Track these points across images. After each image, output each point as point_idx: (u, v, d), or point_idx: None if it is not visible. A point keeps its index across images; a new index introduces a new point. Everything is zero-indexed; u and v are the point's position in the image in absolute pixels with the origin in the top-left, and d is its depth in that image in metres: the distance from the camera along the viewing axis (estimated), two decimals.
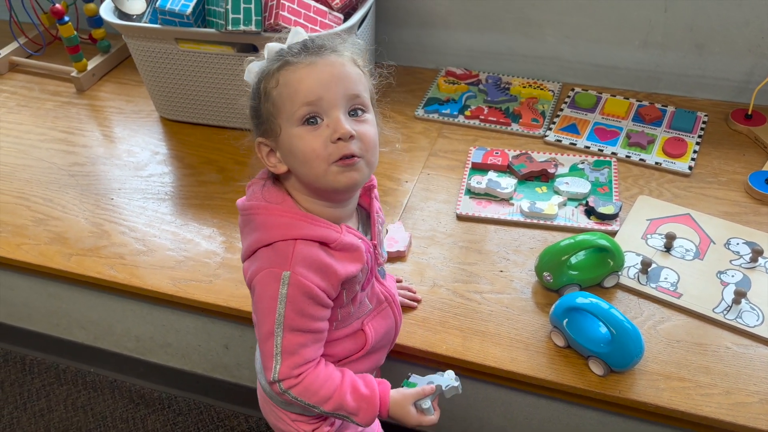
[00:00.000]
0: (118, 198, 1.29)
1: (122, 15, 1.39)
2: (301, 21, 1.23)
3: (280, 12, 1.21)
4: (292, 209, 0.76)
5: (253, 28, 1.20)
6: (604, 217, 1.14)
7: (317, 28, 1.25)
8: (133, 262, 1.16)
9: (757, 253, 1.05)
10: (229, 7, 1.19)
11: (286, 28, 1.19)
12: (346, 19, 1.28)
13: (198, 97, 1.39)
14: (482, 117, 1.40)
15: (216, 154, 1.38)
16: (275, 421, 0.92)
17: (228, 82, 1.34)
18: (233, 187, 1.29)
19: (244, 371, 1.28)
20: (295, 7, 1.23)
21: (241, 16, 1.20)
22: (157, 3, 1.26)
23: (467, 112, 1.42)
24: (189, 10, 1.24)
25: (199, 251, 1.17)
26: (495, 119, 1.39)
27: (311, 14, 1.25)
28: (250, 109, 0.77)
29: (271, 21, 1.21)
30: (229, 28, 1.20)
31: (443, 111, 1.43)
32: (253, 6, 1.19)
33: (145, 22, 1.36)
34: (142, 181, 1.33)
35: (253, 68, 0.77)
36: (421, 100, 1.47)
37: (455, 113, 1.42)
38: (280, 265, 0.73)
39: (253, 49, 1.27)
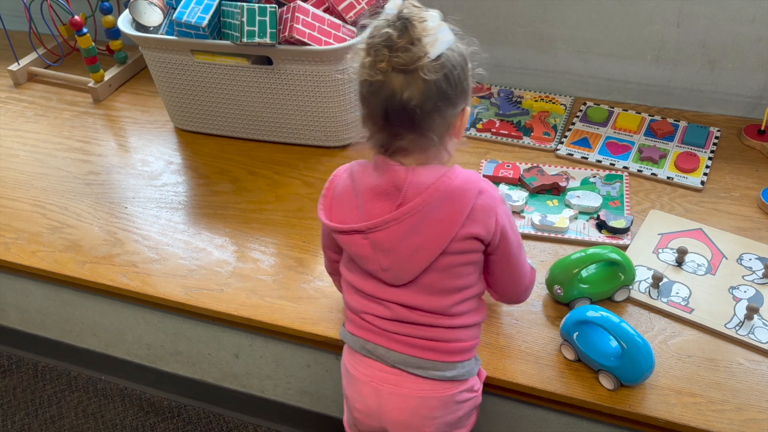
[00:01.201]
0: (132, 207, 1.31)
1: (139, 27, 1.41)
2: (315, 34, 1.24)
3: (295, 25, 1.22)
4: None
5: (267, 40, 1.22)
6: (615, 231, 1.14)
7: (331, 41, 1.26)
8: (145, 270, 1.17)
9: None
10: (245, 19, 1.21)
11: (300, 40, 1.21)
12: (359, 33, 1.30)
13: (212, 108, 1.41)
14: (494, 130, 1.40)
15: (229, 165, 1.39)
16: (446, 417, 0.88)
17: (242, 94, 1.36)
18: (246, 197, 1.30)
19: (253, 380, 1.28)
20: (309, 20, 1.24)
21: (256, 29, 1.21)
22: (174, 15, 1.28)
23: (479, 125, 1.42)
24: (205, 23, 1.26)
25: (211, 260, 1.18)
26: (507, 132, 1.39)
27: (325, 27, 1.26)
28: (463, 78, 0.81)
29: (286, 34, 1.23)
30: (244, 40, 1.22)
31: None
32: (268, 19, 1.21)
33: (162, 34, 1.38)
34: (155, 190, 1.34)
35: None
36: None
37: (467, 126, 1.42)
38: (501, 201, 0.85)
39: (268, 62, 1.28)
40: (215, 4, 1.27)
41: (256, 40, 1.22)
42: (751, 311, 0.99)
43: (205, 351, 1.27)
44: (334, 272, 0.99)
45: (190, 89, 1.39)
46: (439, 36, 0.77)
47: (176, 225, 1.26)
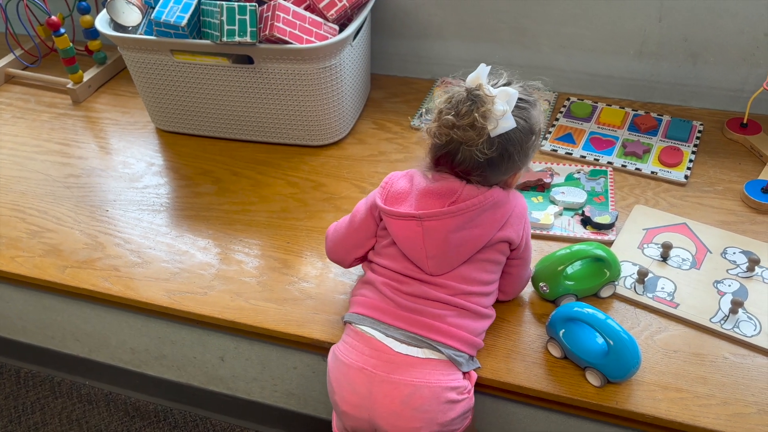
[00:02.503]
0: (114, 210, 1.29)
1: (118, 27, 1.39)
2: (296, 32, 1.23)
3: (275, 23, 1.21)
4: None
5: (248, 39, 1.20)
6: (600, 227, 1.14)
7: (312, 39, 1.25)
8: (128, 274, 1.15)
9: (753, 262, 1.05)
10: (224, 18, 1.19)
11: (281, 39, 1.20)
12: (341, 30, 1.29)
13: (193, 108, 1.39)
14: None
15: (211, 165, 1.37)
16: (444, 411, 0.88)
17: (223, 94, 1.34)
18: (228, 199, 1.29)
19: (240, 383, 1.27)
20: (290, 18, 1.23)
21: (236, 28, 1.20)
22: (153, 15, 1.26)
23: None
24: (184, 22, 1.24)
25: (194, 263, 1.17)
26: None
27: (306, 25, 1.25)
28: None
29: (266, 32, 1.22)
30: (224, 39, 1.20)
31: None
32: (248, 17, 1.20)
33: (141, 34, 1.36)
34: (137, 192, 1.33)
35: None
36: (417, 110, 1.48)
37: None
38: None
39: (249, 61, 1.27)
40: (194, 3, 1.26)
41: (237, 39, 1.20)
42: (736, 305, 0.99)
43: (190, 354, 1.26)
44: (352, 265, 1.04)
45: (171, 89, 1.37)
46: (500, 123, 0.85)
47: (158, 227, 1.24)
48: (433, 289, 0.90)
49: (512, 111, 0.86)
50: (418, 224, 0.88)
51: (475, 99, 0.85)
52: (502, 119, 0.85)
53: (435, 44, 1.53)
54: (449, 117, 0.86)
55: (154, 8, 1.29)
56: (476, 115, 0.84)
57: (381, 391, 0.87)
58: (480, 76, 0.87)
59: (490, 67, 0.89)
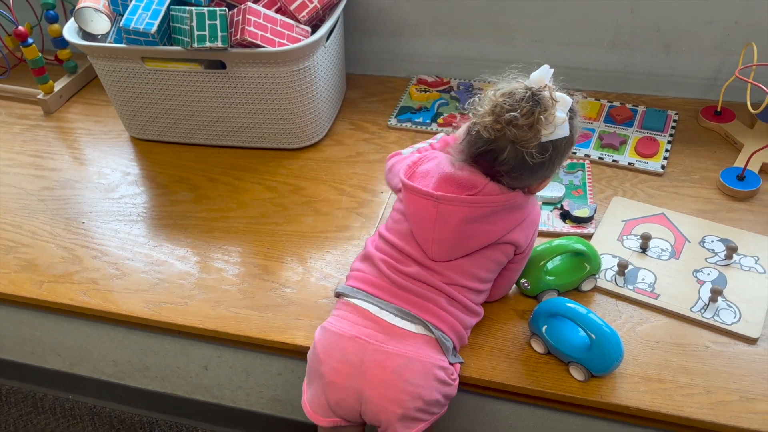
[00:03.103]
0: (90, 222, 1.27)
1: (87, 35, 1.37)
2: (268, 35, 1.22)
3: (246, 27, 1.20)
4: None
5: (219, 44, 1.19)
6: (579, 221, 1.14)
7: (285, 41, 1.24)
8: (106, 287, 1.14)
9: (731, 250, 1.06)
10: (194, 24, 1.18)
11: (253, 43, 1.19)
12: (313, 32, 1.28)
13: (167, 115, 1.38)
14: (455, 124, 1.39)
15: (188, 172, 1.36)
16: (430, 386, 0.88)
17: (197, 100, 1.33)
18: (206, 206, 1.27)
19: (225, 391, 1.26)
20: (261, 21, 1.21)
21: (206, 33, 1.18)
22: (121, 22, 1.24)
23: (440, 120, 1.41)
24: (154, 29, 1.22)
25: (173, 273, 1.15)
26: (456, 124, 1.38)
27: (278, 28, 1.24)
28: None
29: (238, 37, 1.20)
30: (195, 45, 1.19)
31: (416, 120, 1.42)
32: (218, 22, 1.18)
33: (110, 42, 1.34)
34: (113, 203, 1.31)
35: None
36: (394, 109, 1.47)
37: (428, 121, 1.42)
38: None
39: (221, 66, 1.26)
40: (164, 9, 1.24)
41: (208, 44, 1.19)
42: (715, 294, 1.00)
43: (174, 365, 1.25)
44: None
45: (143, 97, 1.36)
46: (557, 130, 0.84)
47: (136, 238, 1.23)
48: (430, 275, 0.90)
49: None
50: (434, 205, 0.88)
51: (539, 100, 0.84)
52: (559, 126, 0.84)
53: (410, 42, 1.53)
54: (512, 114, 0.83)
55: (122, 15, 1.27)
56: (541, 117, 0.83)
57: (373, 360, 0.86)
58: (544, 77, 0.86)
59: (553, 70, 0.87)
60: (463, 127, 0.92)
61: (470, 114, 0.89)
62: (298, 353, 1.04)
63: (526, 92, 0.84)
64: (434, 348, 0.89)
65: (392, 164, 1.05)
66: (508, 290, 1.03)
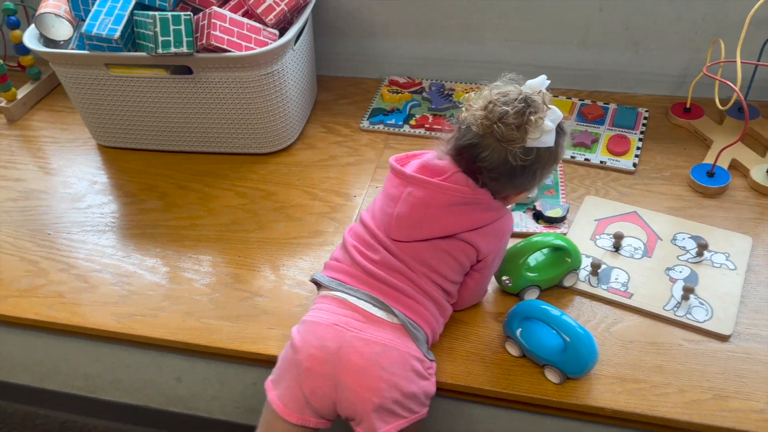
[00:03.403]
0: (56, 233, 1.24)
1: (48, 41, 1.34)
2: (235, 39, 1.20)
3: (212, 32, 1.17)
4: None
5: (184, 50, 1.17)
6: (552, 221, 1.14)
7: (252, 45, 1.22)
8: (73, 300, 1.11)
9: (702, 247, 1.06)
10: (158, 29, 1.15)
11: (219, 47, 1.17)
12: (281, 35, 1.26)
13: (134, 122, 1.35)
14: (427, 126, 1.39)
15: (156, 180, 1.33)
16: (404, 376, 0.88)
17: (164, 106, 1.30)
18: (176, 214, 1.25)
19: (199, 402, 1.24)
20: (227, 26, 1.19)
21: (171, 39, 1.16)
22: (83, 28, 1.21)
23: (412, 122, 1.40)
24: (117, 35, 1.19)
25: (142, 284, 1.13)
26: (440, 127, 1.38)
27: (245, 32, 1.22)
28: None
29: (203, 41, 1.18)
30: (160, 51, 1.16)
31: (388, 121, 1.41)
32: (183, 27, 1.16)
33: (72, 48, 1.31)
34: (80, 213, 1.28)
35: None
36: (366, 111, 1.46)
37: (400, 123, 1.40)
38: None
39: (188, 71, 1.23)
40: (127, 14, 1.21)
41: (173, 50, 1.17)
42: (687, 292, 1.00)
43: (146, 377, 1.22)
44: None
45: (109, 104, 1.33)
46: (544, 137, 0.86)
47: (104, 249, 1.20)
48: (395, 261, 0.91)
49: None
50: (405, 184, 0.91)
51: (530, 103, 0.86)
52: (546, 134, 0.86)
53: (381, 43, 1.51)
54: (503, 110, 0.85)
55: (84, 21, 1.24)
56: (531, 118, 0.85)
57: (352, 346, 0.86)
58: (540, 84, 0.89)
59: (549, 81, 0.90)
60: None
61: (463, 108, 0.91)
62: (273, 363, 1.01)
63: (520, 94, 0.87)
64: (409, 339, 0.89)
65: None
66: (472, 302, 1.02)
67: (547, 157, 0.89)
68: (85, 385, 1.30)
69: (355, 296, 0.90)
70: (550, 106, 0.87)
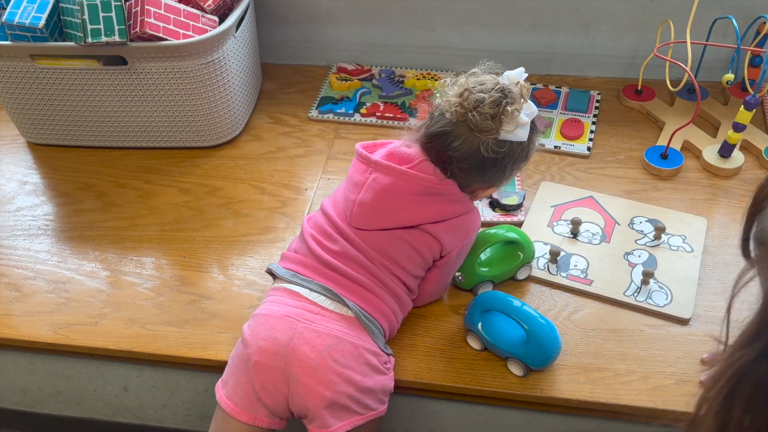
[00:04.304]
0: None
1: None
2: (171, 27, 1.13)
3: (146, 19, 1.10)
4: None
5: (116, 38, 1.09)
6: (508, 209, 1.11)
7: (190, 33, 1.15)
8: (4, 311, 1.03)
9: (659, 230, 1.05)
10: (86, 17, 1.07)
11: (155, 36, 1.10)
12: (221, 22, 1.19)
13: (67, 117, 1.26)
14: (378, 114, 1.34)
15: (93, 178, 1.25)
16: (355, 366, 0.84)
17: (98, 99, 1.22)
18: (115, 214, 1.18)
19: (149, 411, 1.18)
20: (162, 12, 1.12)
21: (101, 27, 1.08)
22: (4, 17, 1.12)
23: (363, 110, 1.36)
24: (42, 23, 1.11)
25: (81, 290, 1.06)
26: (392, 115, 1.34)
27: (182, 19, 1.15)
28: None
29: (137, 30, 1.11)
30: (89, 40, 1.09)
31: (338, 110, 1.36)
32: (114, 14, 1.08)
33: None
34: (9, 216, 1.19)
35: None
36: (314, 100, 1.40)
37: (351, 112, 1.36)
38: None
39: (122, 61, 1.16)
40: (51, 1, 1.13)
41: (103, 39, 1.09)
42: (647, 276, 0.99)
43: (90, 387, 1.15)
44: None
45: (38, 99, 1.24)
46: (518, 131, 0.84)
47: (37, 254, 1.12)
48: (355, 251, 0.88)
49: None
50: (369, 171, 0.88)
51: (507, 94, 0.83)
52: (519, 127, 0.84)
53: (326, 29, 1.46)
54: (480, 97, 0.82)
55: (5, 9, 1.15)
56: (507, 109, 0.82)
57: (303, 338, 0.82)
58: (519, 76, 0.86)
59: (527, 74, 0.88)
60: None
61: (437, 94, 0.87)
62: (224, 368, 0.96)
63: (498, 84, 0.84)
64: (364, 332, 0.86)
65: None
66: (437, 296, 1.00)
67: (518, 153, 0.86)
68: (23, 400, 1.22)
69: (308, 288, 0.87)
70: (527, 99, 0.85)
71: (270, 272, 0.93)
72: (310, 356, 0.82)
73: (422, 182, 0.86)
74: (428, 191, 0.87)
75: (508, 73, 0.87)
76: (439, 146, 0.86)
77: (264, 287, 1.04)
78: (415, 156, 0.87)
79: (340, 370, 0.82)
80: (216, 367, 0.97)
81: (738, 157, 1.18)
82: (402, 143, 0.90)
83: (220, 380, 0.89)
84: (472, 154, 0.85)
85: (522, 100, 0.84)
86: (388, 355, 0.89)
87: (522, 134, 0.84)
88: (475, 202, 1.09)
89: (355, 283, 0.87)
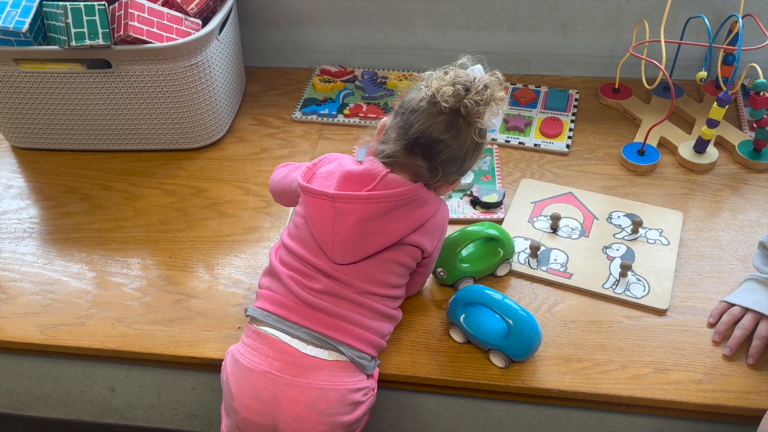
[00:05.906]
0: None
1: None
2: (155, 30, 1.14)
3: (130, 22, 1.11)
4: None
5: (100, 42, 1.10)
6: (489, 206, 1.14)
7: (173, 36, 1.16)
8: None
9: (637, 224, 1.08)
10: (70, 21, 1.08)
11: (139, 39, 1.11)
12: (204, 24, 1.21)
13: (52, 121, 1.27)
14: (361, 114, 1.36)
15: (78, 181, 1.26)
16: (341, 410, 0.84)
17: (83, 102, 1.23)
18: (100, 216, 1.18)
19: (136, 412, 1.18)
20: (146, 15, 1.13)
21: (85, 30, 1.09)
22: None
23: (346, 111, 1.38)
24: (25, 27, 1.12)
25: (67, 291, 1.06)
26: (375, 116, 1.35)
27: (165, 22, 1.16)
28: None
29: (121, 33, 1.12)
30: (73, 44, 1.10)
31: (321, 111, 1.38)
32: (98, 18, 1.09)
33: None
34: None
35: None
36: (298, 101, 1.42)
37: (334, 113, 1.37)
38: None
39: (106, 65, 1.17)
40: (35, 5, 1.14)
41: (87, 42, 1.10)
42: (625, 269, 1.01)
43: (77, 389, 1.16)
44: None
45: (22, 103, 1.24)
46: (494, 120, 0.87)
47: (23, 257, 1.13)
48: (340, 287, 0.85)
49: None
50: (331, 205, 0.84)
51: (489, 84, 0.85)
52: (495, 117, 0.85)
53: (309, 31, 1.48)
54: (463, 83, 0.83)
55: None
56: (496, 94, 0.84)
57: (286, 396, 0.82)
58: (479, 71, 0.88)
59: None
60: (387, 119, 0.91)
61: (422, 87, 0.87)
62: (211, 366, 0.98)
63: (477, 75, 0.86)
64: (350, 370, 0.85)
65: (286, 172, 0.98)
66: (421, 287, 1.01)
67: (483, 144, 0.88)
68: (10, 403, 1.22)
69: (289, 333, 0.84)
70: (500, 81, 0.88)
71: (249, 317, 0.89)
72: (295, 413, 0.82)
73: (391, 199, 0.84)
74: (399, 204, 0.85)
75: (470, 68, 0.88)
76: (428, 143, 0.84)
77: (250, 285, 1.05)
78: (374, 173, 0.85)
79: (326, 419, 0.83)
80: (203, 365, 0.98)
81: (712, 153, 1.21)
82: (346, 162, 0.88)
83: (222, 403, 0.90)
84: (462, 143, 0.84)
85: (500, 91, 0.86)
86: (373, 373, 0.89)
87: (495, 125, 0.86)
88: (454, 204, 1.11)
89: (339, 319, 0.85)
